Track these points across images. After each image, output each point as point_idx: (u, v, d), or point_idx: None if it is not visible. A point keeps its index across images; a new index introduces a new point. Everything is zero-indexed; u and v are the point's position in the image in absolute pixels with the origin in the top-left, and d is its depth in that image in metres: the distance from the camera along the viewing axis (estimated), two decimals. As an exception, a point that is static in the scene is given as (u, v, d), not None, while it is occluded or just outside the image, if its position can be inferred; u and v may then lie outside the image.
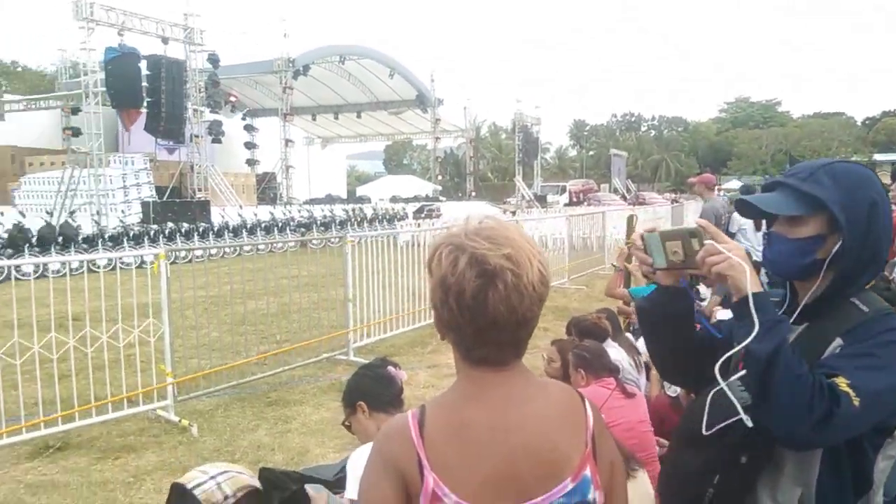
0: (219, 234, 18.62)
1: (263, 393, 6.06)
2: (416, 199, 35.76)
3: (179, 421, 5.17)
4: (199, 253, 13.45)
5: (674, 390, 3.73)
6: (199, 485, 1.64)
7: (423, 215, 26.10)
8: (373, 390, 2.42)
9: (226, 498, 1.63)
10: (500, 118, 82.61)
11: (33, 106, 29.91)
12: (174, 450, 4.76)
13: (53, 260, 10.74)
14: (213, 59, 23.79)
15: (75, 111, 27.16)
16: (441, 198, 36.71)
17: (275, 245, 11.71)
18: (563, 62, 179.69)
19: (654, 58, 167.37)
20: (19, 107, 30.19)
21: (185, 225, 18.22)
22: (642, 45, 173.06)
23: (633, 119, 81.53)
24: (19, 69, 46.63)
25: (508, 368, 1.17)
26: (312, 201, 31.10)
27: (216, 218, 20.43)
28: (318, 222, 21.81)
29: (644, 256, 1.50)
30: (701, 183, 7.45)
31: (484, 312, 1.11)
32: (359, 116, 38.98)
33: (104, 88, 20.09)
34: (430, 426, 1.13)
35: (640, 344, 4.57)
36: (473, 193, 40.80)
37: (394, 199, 34.90)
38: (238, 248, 13.13)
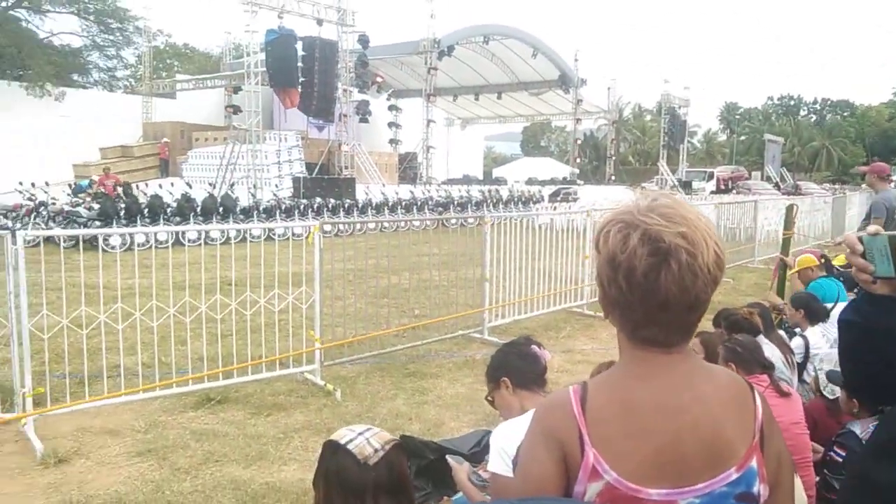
0: (362, 211, 19.39)
1: (402, 364, 6.28)
2: (552, 181, 35.34)
3: (325, 385, 5.48)
4: (343, 227, 14.08)
5: (831, 390, 3.48)
6: (350, 440, 1.76)
7: (559, 198, 25.84)
8: (517, 367, 2.46)
9: (376, 451, 1.73)
10: (645, 99, 79.61)
11: (201, 85, 32.44)
12: (319, 411, 5.06)
13: (232, 227, 11.64)
14: (364, 41, 24.62)
15: (237, 90, 29.13)
16: (578, 181, 36.04)
17: (413, 223, 12.02)
18: (716, 41, 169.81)
19: (816, 36, 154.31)
20: (189, 86, 32.85)
21: (332, 200, 19.11)
22: (803, 22, 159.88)
23: (791, 102, 75.72)
24: (189, 51, 50.64)
25: (675, 351, 1.15)
26: (450, 181, 31.60)
27: (360, 195, 21.27)
28: (455, 202, 22.14)
29: (863, 263, 1.28)
30: (872, 172, 6.81)
31: (655, 292, 1.09)
32: (499, 97, 38.97)
33: (264, 69, 21.36)
34: (592, 402, 1.14)
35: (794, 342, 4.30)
36: (613, 177, 39.74)
37: (530, 182, 34.70)
38: (380, 225, 13.67)
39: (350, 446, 1.75)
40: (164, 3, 78.85)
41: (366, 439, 1.76)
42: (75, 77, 32.41)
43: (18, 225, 14.80)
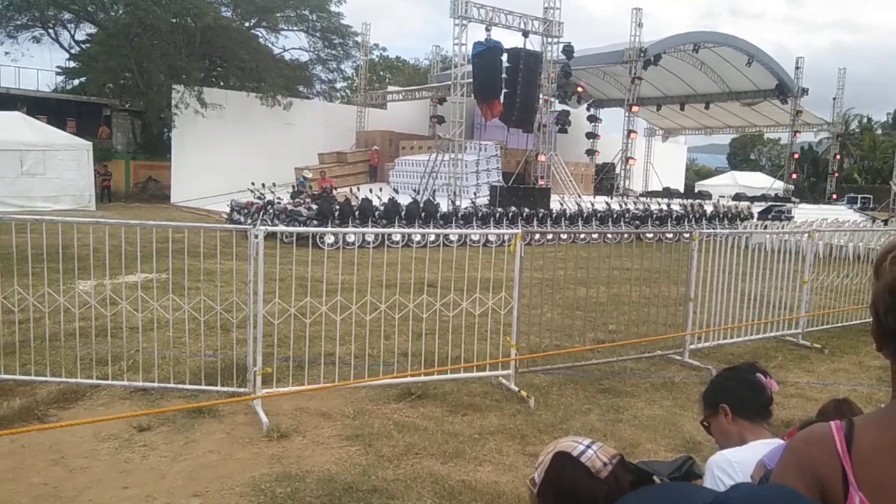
0: (556, 221, 19.33)
1: (596, 379, 6.18)
2: (763, 198, 32.83)
3: (519, 391, 5.55)
4: (536, 237, 14.14)
5: None
6: (581, 452, 1.76)
7: (770, 216, 23.93)
8: (739, 395, 2.32)
9: (605, 464, 1.72)
10: (875, 111, 71.14)
11: (409, 96, 34.26)
12: (513, 417, 5.13)
13: (437, 231, 12.21)
14: (568, 51, 24.60)
15: (441, 101, 30.47)
16: (794, 199, 33.12)
17: (607, 236, 11.76)
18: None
19: None
20: (398, 97, 34.83)
21: (526, 210, 19.27)
22: None
23: None
24: (400, 64, 53.76)
25: None
26: (649, 194, 30.50)
27: (554, 205, 21.24)
28: (654, 216, 21.33)
29: None
30: None
31: None
32: (706, 107, 36.97)
33: (469, 80, 22.09)
34: (860, 442, 1.05)
35: None
36: (834, 196, 36.01)
37: (738, 197, 32.51)
38: (572, 236, 13.55)
39: (582, 458, 1.76)
40: (382, 19, 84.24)
41: (594, 452, 1.76)
42: (301, 89, 35.63)
43: (249, 221, 16.62)
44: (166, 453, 4.25)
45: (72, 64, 36.06)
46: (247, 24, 32.82)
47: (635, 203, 23.39)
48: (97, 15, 32.62)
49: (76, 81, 35.91)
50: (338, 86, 40.62)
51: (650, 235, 15.20)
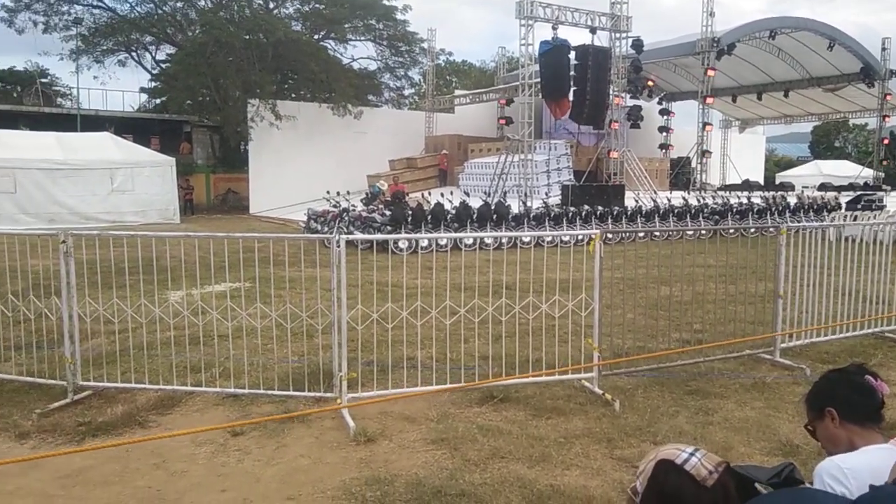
0: (631, 219, 18.95)
1: (682, 380, 6.01)
2: (851, 187, 31.27)
3: (603, 394, 5.45)
4: (612, 235, 13.89)
5: None
6: (685, 460, 1.71)
7: (859, 206, 22.74)
8: (847, 398, 2.21)
9: (710, 472, 1.67)
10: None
11: (476, 99, 34.33)
12: (598, 420, 5.04)
13: (511, 234, 12.19)
14: (637, 45, 24.11)
15: (509, 102, 30.38)
16: (885, 187, 31.39)
17: (687, 232, 11.44)
18: None
19: None
20: (466, 100, 34.96)
21: (600, 208, 18.97)
22: None
23: None
24: (467, 68, 53.96)
25: None
26: (727, 187, 29.52)
27: (629, 202, 20.83)
28: (734, 210, 20.60)
29: None
30: None
31: None
32: (786, 95, 35.51)
33: (537, 80, 21.94)
34: None
35: None
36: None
37: (822, 187, 31.08)
38: (649, 233, 13.24)
39: (687, 466, 1.71)
40: (447, 24, 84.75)
41: (699, 460, 1.71)
42: (370, 97, 36.25)
43: (326, 229, 16.99)
44: (259, 457, 4.38)
45: (153, 84, 37.84)
46: (316, 37, 33.63)
47: (714, 197, 22.67)
48: (176, 36, 34.10)
49: (158, 100, 37.63)
50: (406, 92, 41.16)
51: (731, 230, 14.72)
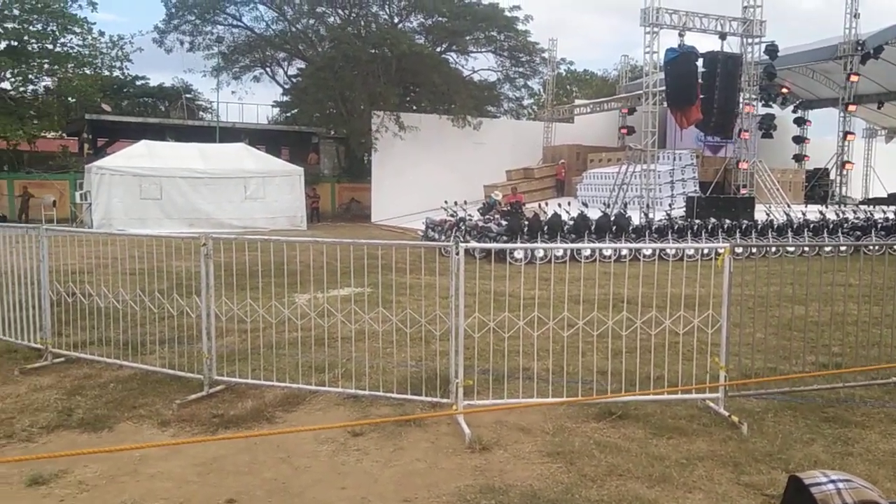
0: (762, 233, 17.93)
1: (818, 406, 5.61)
2: None
3: (729, 416, 5.18)
4: (740, 250, 13.22)
5: None
6: (816, 484, 1.58)
7: None
8: None
9: None
10: None
11: (597, 109, 33.74)
12: (724, 443, 4.80)
13: (635, 246, 11.92)
14: (771, 50, 22.88)
15: (631, 111, 29.67)
16: None
17: (825, 248, 10.67)
18: None
19: None
20: (586, 110, 34.45)
21: (728, 221, 18.08)
22: None
23: None
24: (588, 77, 53.22)
25: None
26: (871, 201, 27.33)
27: (759, 216, 19.74)
28: (878, 225, 19.03)
29: None
30: None
31: None
32: (942, 101, 32.46)
33: (661, 88, 21.29)
34: None
35: None
36: None
37: (983, 202, 28.11)
38: (781, 249, 12.47)
39: (814, 490, 1.59)
40: (569, 33, 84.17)
41: (836, 489, 1.58)
42: (489, 108, 36.53)
43: (443, 237, 17.25)
44: (377, 458, 4.49)
45: (285, 98, 40.00)
46: (438, 49, 34.31)
47: (855, 211, 21.05)
48: (307, 52, 35.88)
49: (289, 113, 39.73)
50: (525, 102, 41.14)
51: (875, 247, 13.59)
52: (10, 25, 31.28)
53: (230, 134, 33.63)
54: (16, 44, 31.75)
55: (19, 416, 5.15)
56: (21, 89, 33.23)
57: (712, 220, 17.99)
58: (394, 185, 29.72)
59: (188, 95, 42.53)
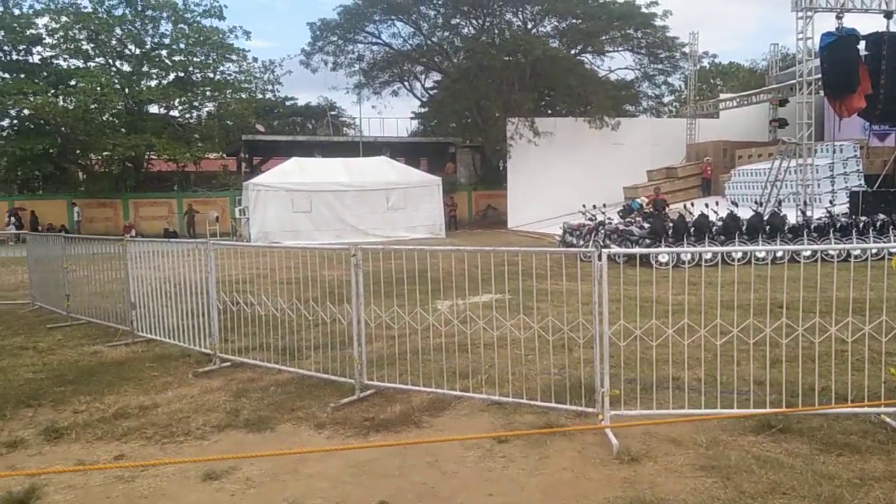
0: (941, 229, 16.13)
1: None
2: None
3: (908, 432, 4.71)
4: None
5: None
6: None
7: None
8: None
9: None
10: None
11: (744, 102, 31.88)
12: (905, 463, 4.36)
13: (792, 248, 11.20)
14: (948, 26, 20.54)
15: (783, 103, 27.79)
16: None
17: None
18: None
19: None
20: (732, 104, 32.65)
21: (900, 217, 16.43)
22: None
23: None
24: (735, 69, 50.42)
25: None
26: None
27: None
28: None
29: None
30: None
31: None
32: None
33: (817, 76, 19.78)
34: None
35: None
36: None
37: None
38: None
39: None
40: (712, 25, 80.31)
41: None
42: (627, 107, 35.59)
43: (582, 242, 16.97)
44: (523, 466, 4.49)
45: (423, 110, 41.15)
46: (573, 51, 33.89)
47: None
48: (443, 64, 36.74)
49: (427, 125, 40.84)
50: (665, 100, 39.67)
51: None
52: (177, 58, 34.56)
53: (372, 147, 35.05)
54: (182, 75, 35.01)
55: (194, 415, 5.64)
56: (187, 115, 36.56)
57: (881, 216, 16.39)
58: (530, 190, 29.66)
59: (333, 113, 44.90)
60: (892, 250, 4.85)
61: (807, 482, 4.12)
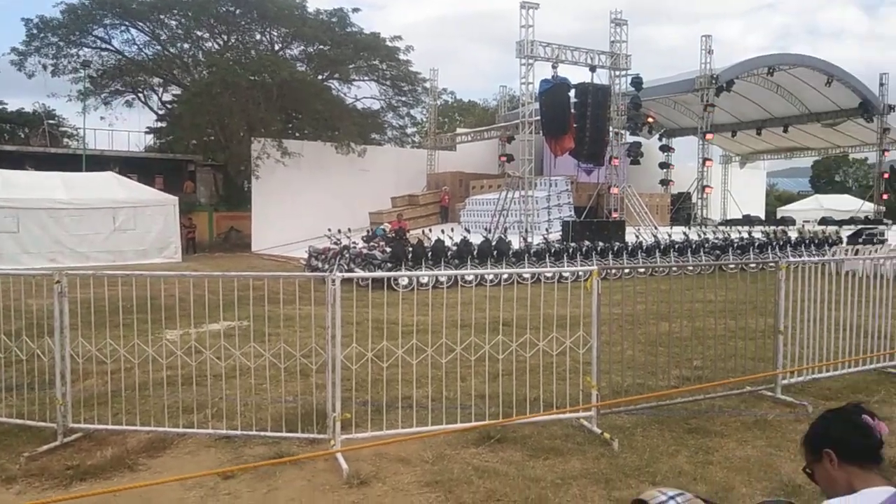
0: (632, 254, 18.92)
1: (682, 418, 5.91)
2: (852, 221, 31.29)
3: (601, 433, 5.36)
4: (612, 271, 13.85)
5: None
6: (659, 503, 1.66)
7: (861, 240, 22.69)
8: (845, 439, 2.15)
9: None
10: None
11: (478, 137, 34.65)
12: (597, 460, 4.95)
13: (514, 271, 12.14)
14: (637, 82, 24.38)
15: (510, 140, 30.65)
16: (886, 220, 31.37)
17: (687, 268, 11.41)
18: None
19: None
20: (467, 139, 35.27)
21: (601, 244, 18.95)
22: None
23: None
24: (470, 106, 54.61)
25: None
26: (728, 222, 29.57)
27: (630, 238, 20.83)
28: (735, 245, 20.58)
29: None
30: None
31: None
32: (785, 131, 35.69)
33: (537, 118, 22.16)
34: None
35: None
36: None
37: (823, 221, 31.08)
38: (649, 269, 13.20)
39: (652, 510, 1.66)
40: (450, 63, 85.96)
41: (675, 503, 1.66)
42: (374, 136, 36.58)
43: (327, 266, 16.99)
44: (250, 501, 4.29)
45: (159, 124, 38.28)
46: (320, 77, 34.06)
47: (714, 232, 22.68)
48: (183, 77, 34.60)
49: (164, 140, 38.04)
50: (408, 131, 41.50)
51: (732, 265, 14.66)
52: None
53: (98, 162, 31.77)
54: None
55: None
56: None
57: (587, 242, 18.79)
58: (276, 212, 29.04)
59: (51, 121, 39.85)
60: (589, 272, 5.52)
61: (518, 487, 4.48)
